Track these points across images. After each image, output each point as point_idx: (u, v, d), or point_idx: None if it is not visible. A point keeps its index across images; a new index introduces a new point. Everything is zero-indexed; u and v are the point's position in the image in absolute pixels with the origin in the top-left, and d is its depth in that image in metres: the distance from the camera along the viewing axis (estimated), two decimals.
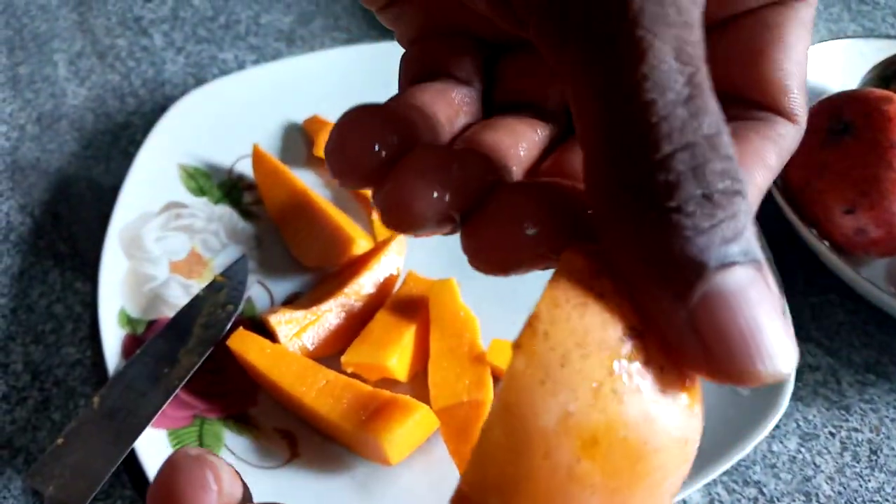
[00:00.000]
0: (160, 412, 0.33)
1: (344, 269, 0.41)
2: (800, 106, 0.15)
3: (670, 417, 0.12)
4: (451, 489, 0.12)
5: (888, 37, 0.55)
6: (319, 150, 0.45)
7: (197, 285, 0.40)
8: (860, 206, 0.41)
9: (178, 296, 0.39)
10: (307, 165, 0.46)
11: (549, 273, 0.13)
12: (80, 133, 0.48)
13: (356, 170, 0.15)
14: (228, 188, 0.44)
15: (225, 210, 0.43)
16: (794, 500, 0.37)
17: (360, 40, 0.56)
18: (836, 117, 0.42)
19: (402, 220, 0.14)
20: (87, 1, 0.56)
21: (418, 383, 0.37)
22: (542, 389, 0.11)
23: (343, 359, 0.36)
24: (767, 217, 0.46)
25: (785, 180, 0.45)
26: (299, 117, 0.47)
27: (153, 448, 0.33)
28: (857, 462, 0.38)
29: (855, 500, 0.37)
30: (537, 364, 0.11)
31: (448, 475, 0.34)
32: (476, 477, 0.11)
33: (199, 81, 0.51)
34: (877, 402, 0.41)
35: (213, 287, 0.38)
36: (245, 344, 0.35)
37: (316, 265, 0.41)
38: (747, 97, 0.15)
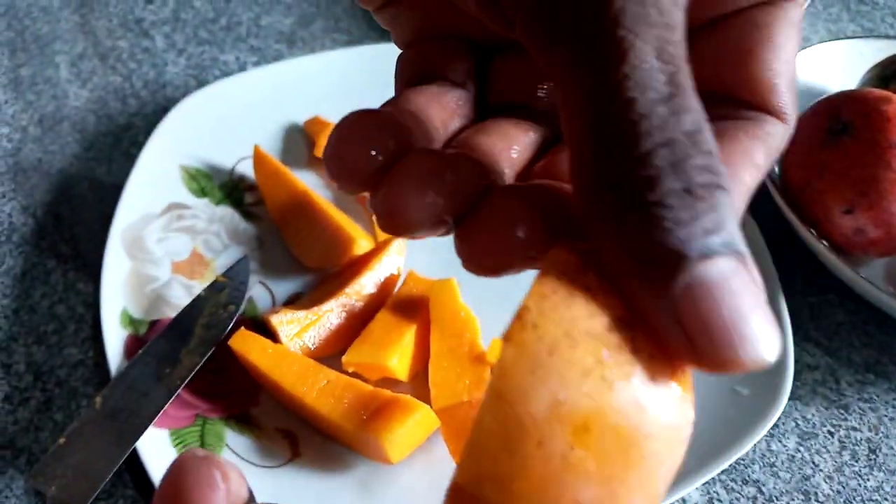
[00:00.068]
0: (162, 412, 0.34)
1: (345, 269, 0.41)
2: (788, 105, 0.15)
3: (661, 405, 0.12)
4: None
5: (887, 37, 0.55)
6: (320, 151, 0.45)
7: (199, 286, 0.40)
8: (859, 206, 0.41)
9: (180, 296, 0.39)
10: (308, 166, 0.46)
11: None
12: (82, 134, 0.48)
13: (354, 174, 0.15)
14: (230, 189, 0.44)
15: (226, 211, 0.43)
16: (792, 499, 0.37)
17: (361, 42, 0.56)
18: (835, 117, 0.43)
19: (397, 224, 0.15)
20: (89, 3, 0.56)
21: (419, 383, 0.37)
22: (533, 378, 0.11)
23: (344, 359, 0.36)
24: (766, 217, 0.46)
25: (784, 180, 0.45)
26: (300, 118, 0.47)
27: (155, 448, 0.33)
28: (856, 461, 0.38)
29: (854, 498, 0.37)
30: (527, 354, 0.11)
31: (448, 474, 0.34)
32: (471, 468, 0.11)
33: (201, 83, 0.52)
34: (875, 401, 0.41)
35: (214, 287, 0.38)
36: (247, 344, 0.36)
37: (317, 265, 0.41)
38: (737, 96, 0.15)
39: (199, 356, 0.36)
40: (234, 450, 0.35)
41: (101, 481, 0.31)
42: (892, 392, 0.41)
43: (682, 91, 0.12)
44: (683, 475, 0.34)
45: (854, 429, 0.40)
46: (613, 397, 0.11)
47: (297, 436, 0.36)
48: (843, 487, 0.37)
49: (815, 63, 0.52)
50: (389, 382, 0.37)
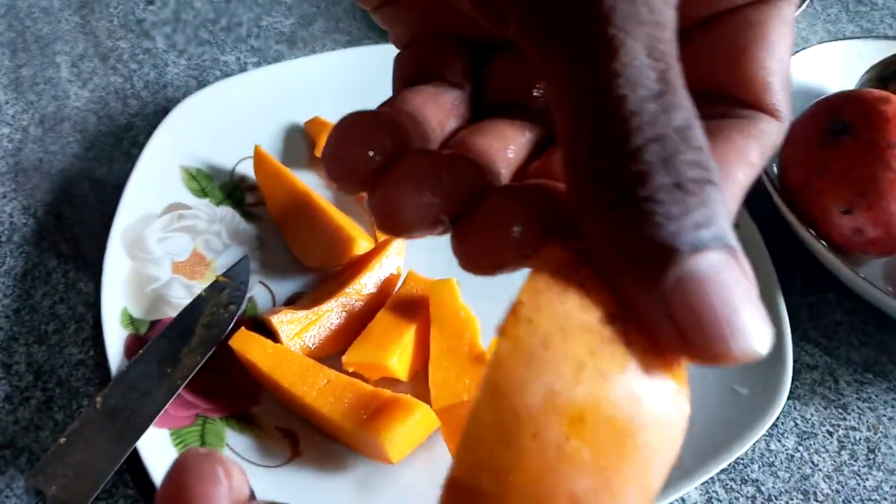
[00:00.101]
0: (163, 412, 0.34)
1: (345, 269, 0.41)
2: (782, 103, 0.15)
3: (655, 397, 0.12)
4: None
5: (886, 37, 0.55)
6: (320, 152, 0.45)
7: (199, 286, 0.40)
8: (858, 206, 0.41)
9: (181, 296, 0.39)
10: (308, 167, 0.46)
11: None
12: (83, 135, 0.48)
13: (352, 175, 0.15)
14: (230, 189, 0.44)
15: (227, 211, 0.43)
16: (791, 499, 0.37)
17: (361, 42, 0.56)
18: (834, 118, 0.43)
19: (395, 223, 0.15)
20: (90, 3, 0.57)
21: (419, 383, 0.37)
22: (527, 371, 0.11)
23: (344, 358, 0.36)
24: (765, 217, 0.46)
25: (783, 180, 0.45)
26: (300, 119, 0.47)
27: (156, 447, 0.33)
28: (855, 460, 0.38)
29: (852, 498, 0.37)
30: (521, 348, 0.12)
31: None
32: (467, 460, 0.11)
33: (201, 83, 0.52)
34: (874, 400, 0.41)
35: (215, 287, 0.39)
36: (247, 344, 0.36)
37: (317, 265, 0.42)
38: (731, 95, 0.15)
39: (200, 356, 0.36)
40: (235, 449, 0.35)
41: (102, 481, 0.31)
42: (890, 391, 0.41)
43: (673, 88, 0.12)
44: (682, 474, 0.34)
45: (853, 428, 0.40)
46: (607, 389, 0.11)
47: (298, 435, 0.36)
48: (842, 487, 0.37)
49: (814, 63, 0.52)
50: (389, 382, 0.37)
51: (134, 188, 0.42)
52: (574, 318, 0.12)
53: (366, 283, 0.40)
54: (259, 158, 0.43)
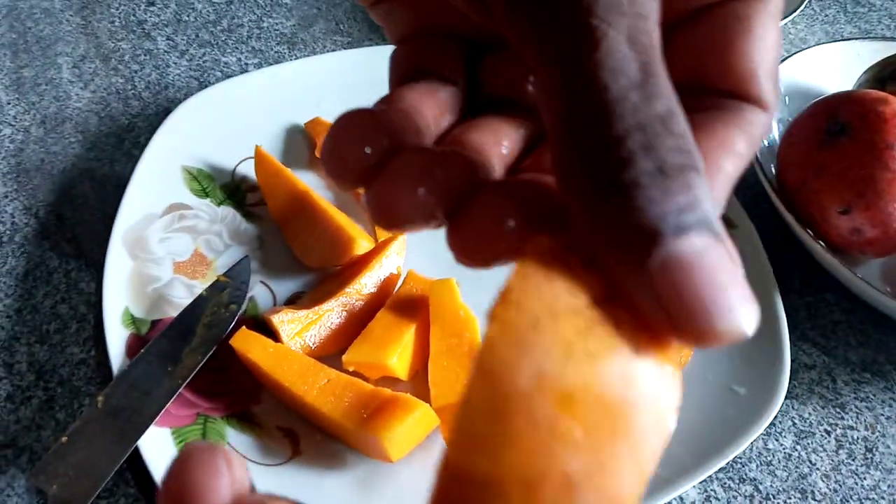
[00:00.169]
0: (164, 411, 0.34)
1: (345, 269, 0.41)
2: (768, 92, 0.15)
3: (646, 378, 0.12)
4: None
5: (884, 38, 0.55)
6: (320, 152, 0.45)
7: (200, 286, 0.40)
8: (856, 206, 0.41)
9: (182, 296, 0.40)
10: (309, 167, 0.46)
11: None
12: (85, 135, 0.48)
13: (349, 172, 0.16)
14: (231, 190, 0.45)
15: (228, 211, 0.44)
16: (789, 498, 0.37)
17: (361, 44, 0.56)
18: (832, 118, 0.43)
19: (390, 219, 0.15)
20: (91, 5, 0.57)
21: (419, 382, 0.37)
22: (517, 353, 0.11)
23: (344, 358, 0.37)
24: (763, 217, 0.46)
25: (781, 181, 0.46)
26: (301, 119, 0.48)
27: (157, 446, 0.33)
28: (853, 460, 0.39)
29: (850, 497, 0.37)
30: (511, 330, 0.12)
31: None
32: (460, 444, 0.11)
33: (202, 84, 0.52)
34: (872, 400, 0.41)
35: (216, 287, 0.39)
36: (248, 343, 0.36)
37: (318, 265, 0.42)
38: (718, 87, 0.16)
39: (201, 355, 0.36)
40: (236, 448, 0.35)
41: (103, 480, 0.31)
42: (888, 391, 0.42)
43: (654, 77, 0.13)
44: (681, 473, 0.34)
45: (851, 428, 0.40)
46: (598, 369, 0.12)
47: (298, 434, 0.36)
48: (840, 486, 0.38)
49: (812, 64, 0.52)
50: (389, 381, 0.37)
51: (135, 188, 0.42)
52: (563, 301, 0.12)
53: (366, 283, 0.40)
54: (260, 159, 0.43)
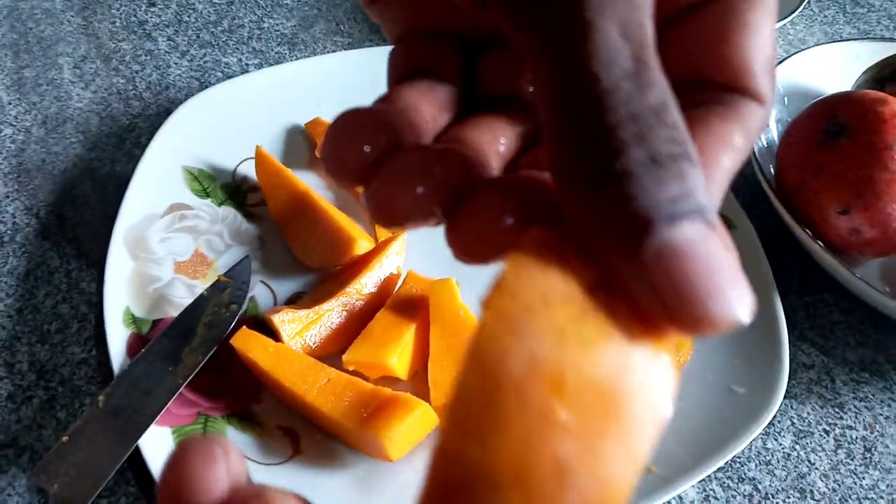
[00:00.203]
0: (165, 410, 0.34)
1: (345, 268, 0.41)
2: (764, 85, 0.16)
3: (640, 365, 0.12)
4: None
5: (883, 39, 0.56)
6: (321, 152, 0.45)
7: (201, 285, 0.40)
8: (855, 206, 0.41)
9: (183, 296, 0.40)
10: (309, 167, 0.46)
11: None
12: (85, 135, 0.48)
13: (348, 171, 0.16)
14: (232, 190, 0.45)
15: (229, 211, 0.44)
16: (788, 497, 0.37)
17: (361, 45, 0.56)
18: (831, 119, 0.43)
19: (388, 216, 0.15)
20: (92, 5, 0.57)
21: (419, 381, 0.37)
22: (510, 339, 0.12)
23: (344, 357, 0.37)
24: (762, 217, 0.46)
25: (780, 181, 0.46)
26: (301, 120, 0.48)
27: (157, 446, 0.34)
28: (852, 459, 0.39)
29: (849, 497, 0.37)
30: (504, 317, 0.12)
31: None
32: (453, 429, 0.11)
33: (203, 85, 0.52)
34: (871, 400, 0.41)
35: (216, 287, 0.39)
36: (248, 343, 0.36)
37: (318, 265, 0.42)
38: (714, 80, 0.16)
39: (202, 355, 0.36)
40: None
41: (104, 479, 0.31)
42: (887, 391, 0.42)
43: (647, 67, 0.13)
44: (680, 472, 0.34)
45: (849, 427, 0.40)
46: (591, 355, 0.12)
47: (299, 433, 0.36)
48: (839, 485, 0.38)
49: (811, 65, 0.52)
50: (389, 381, 0.37)
51: (136, 188, 0.42)
52: (557, 289, 0.12)
53: (366, 283, 0.40)
54: (260, 159, 0.44)
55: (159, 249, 0.41)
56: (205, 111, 0.46)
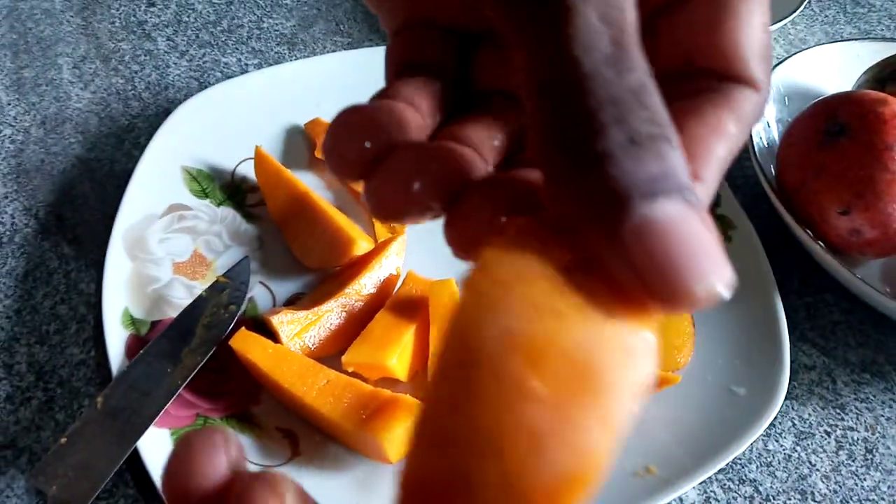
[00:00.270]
0: (163, 411, 0.34)
1: (345, 269, 0.41)
2: (759, 72, 0.16)
3: (617, 339, 0.12)
4: None
5: (883, 39, 0.56)
6: (320, 153, 0.45)
7: (200, 286, 0.40)
8: (855, 206, 0.41)
9: (182, 297, 0.40)
10: (309, 168, 0.46)
11: None
12: (85, 136, 0.48)
13: (349, 167, 0.16)
14: (231, 190, 0.45)
15: (228, 212, 0.44)
16: (789, 499, 0.37)
17: (361, 45, 0.56)
18: (832, 119, 0.43)
19: (387, 212, 0.16)
20: (92, 5, 0.57)
21: (418, 382, 0.37)
22: (486, 313, 0.12)
23: (344, 358, 0.37)
24: (763, 217, 0.46)
25: (780, 181, 0.46)
26: (301, 120, 0.48)
27: (156, 447, 0.33)
28: (853, 461, 0.39)
29: (850, 498, 0.37)
30: (480, 293, 0.12)
31: None
32: (432, 402, 0.12)
33: (202, 85, 0.52)
34: (872, 401, 0.41)
35: (215, 288, 0.39)
36: (247, 344, 0.36)
37: (317, 266, 0.42)
38: (708, 68, 0.16)
39: (201, 356, 0.36)
40: None
41: (103, 481, 0.31)
42: (888, 392, 0.42)
43: (626, 51, 0.13)
44: (680, 474, 0.34)
45: (851, 428, 0.40)
46: (565, 328, 0.12)
47: (298, 435, 0.36)
48: (840, 487, 0.38)
49: (812, 65, 0.52)
50: (389, 382, 0.37)
51: (135, 189, 0.42)
52: (534, 267, 0.12)
53: (365, 284, 0.40)
54: (260, 159, 0.44)
55: (158, 250, 0.41)
56: (204, 111, 0.46)
